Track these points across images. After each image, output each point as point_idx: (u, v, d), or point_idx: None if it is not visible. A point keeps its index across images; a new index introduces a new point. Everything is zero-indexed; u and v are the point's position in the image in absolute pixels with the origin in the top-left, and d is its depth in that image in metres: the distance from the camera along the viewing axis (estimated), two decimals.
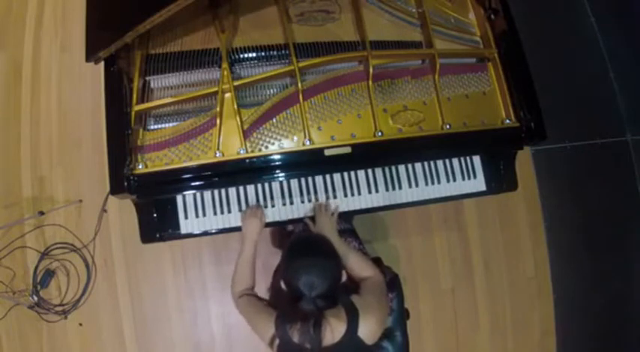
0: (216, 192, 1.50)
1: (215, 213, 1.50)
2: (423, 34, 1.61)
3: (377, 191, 1.56)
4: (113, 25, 1.28)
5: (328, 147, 1.41)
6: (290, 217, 1.51)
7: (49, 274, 2.13)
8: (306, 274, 1.10)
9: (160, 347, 2.15)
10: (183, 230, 1.49)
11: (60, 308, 2.11)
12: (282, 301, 1.22)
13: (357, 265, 1.32)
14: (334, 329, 1.09)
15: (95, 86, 2.24)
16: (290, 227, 1.83)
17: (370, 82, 1.48)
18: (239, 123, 1.40)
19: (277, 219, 1.51)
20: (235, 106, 1.40)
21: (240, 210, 1.51)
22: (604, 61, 2.72)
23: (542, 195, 2.50)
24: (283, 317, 1.13)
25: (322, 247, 1.22)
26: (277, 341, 1.12)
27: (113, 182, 1.33)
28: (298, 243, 1.25)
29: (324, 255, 1.17)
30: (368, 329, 1.12)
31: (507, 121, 1.57)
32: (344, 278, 1.21)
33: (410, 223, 2.34)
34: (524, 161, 2.48)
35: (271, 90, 1.50)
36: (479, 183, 1.64)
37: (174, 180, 1.40)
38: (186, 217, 1.49)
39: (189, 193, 1.48)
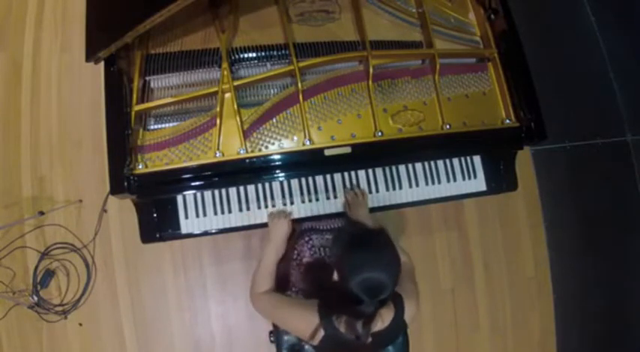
0: (216, 192, 1.50)
1: (215, 213, 1.50)
2: (423, 34, 1.61)
3: (377, 191, 1.56)
4: (113, 25, 1.28)
5: (328, 147, 1.42)
6: (290, 217, 1.50)
7: (49, 274, 2.12)
8: (372, 276, 1.01)
9: (160, 347, 2.15)
10: (184, 230, 1.49)
11: (60, 308, 2.11)
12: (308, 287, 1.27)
13: None
14: (384, 317, 1.12)
15: (95, 86, 2.23)
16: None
17: (370, 82, 1.48)
18: (239, 123, 1.40)
19: None
20: (235, 106, 1.40)
21: (240, 210, 1.51)
22: (604, 61, 2.72)
23: (542, 195, 2.49)
24: (327, 307, 1.11)
25: (382, 239, 1.10)
26: (322, 333, 1.09)
27: (113, 182, 1.33)
28: (358, 238, 1.09)
29: (386, 249, 1.07)
30: (411, 312, 1.18)
31: (507, 121, 1.57)
32: None
33: (410, 223, 2.33)
34: (524, 161, 2.48)
35: (271, 91, 1.50)
36: (479, 183, 1.64)
37: (174, 180, 1.40)
38: (186, 217, 1.49)
39: (189, 193, 1.48)
